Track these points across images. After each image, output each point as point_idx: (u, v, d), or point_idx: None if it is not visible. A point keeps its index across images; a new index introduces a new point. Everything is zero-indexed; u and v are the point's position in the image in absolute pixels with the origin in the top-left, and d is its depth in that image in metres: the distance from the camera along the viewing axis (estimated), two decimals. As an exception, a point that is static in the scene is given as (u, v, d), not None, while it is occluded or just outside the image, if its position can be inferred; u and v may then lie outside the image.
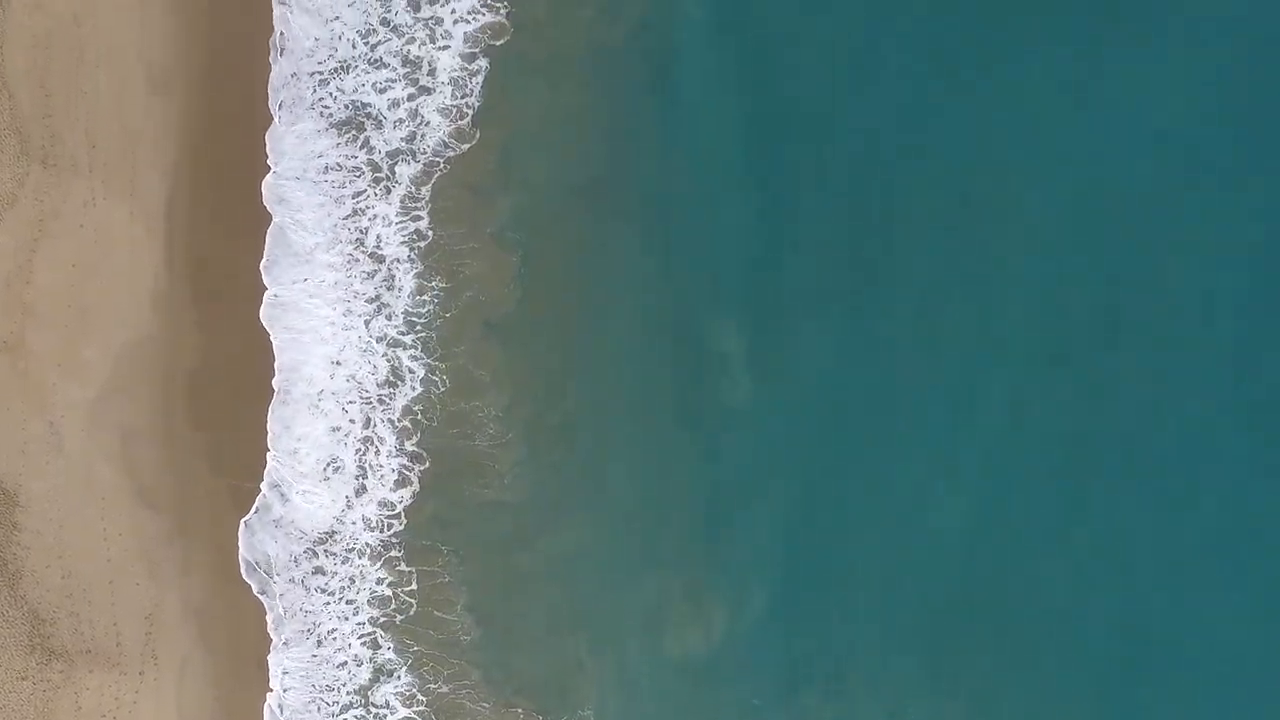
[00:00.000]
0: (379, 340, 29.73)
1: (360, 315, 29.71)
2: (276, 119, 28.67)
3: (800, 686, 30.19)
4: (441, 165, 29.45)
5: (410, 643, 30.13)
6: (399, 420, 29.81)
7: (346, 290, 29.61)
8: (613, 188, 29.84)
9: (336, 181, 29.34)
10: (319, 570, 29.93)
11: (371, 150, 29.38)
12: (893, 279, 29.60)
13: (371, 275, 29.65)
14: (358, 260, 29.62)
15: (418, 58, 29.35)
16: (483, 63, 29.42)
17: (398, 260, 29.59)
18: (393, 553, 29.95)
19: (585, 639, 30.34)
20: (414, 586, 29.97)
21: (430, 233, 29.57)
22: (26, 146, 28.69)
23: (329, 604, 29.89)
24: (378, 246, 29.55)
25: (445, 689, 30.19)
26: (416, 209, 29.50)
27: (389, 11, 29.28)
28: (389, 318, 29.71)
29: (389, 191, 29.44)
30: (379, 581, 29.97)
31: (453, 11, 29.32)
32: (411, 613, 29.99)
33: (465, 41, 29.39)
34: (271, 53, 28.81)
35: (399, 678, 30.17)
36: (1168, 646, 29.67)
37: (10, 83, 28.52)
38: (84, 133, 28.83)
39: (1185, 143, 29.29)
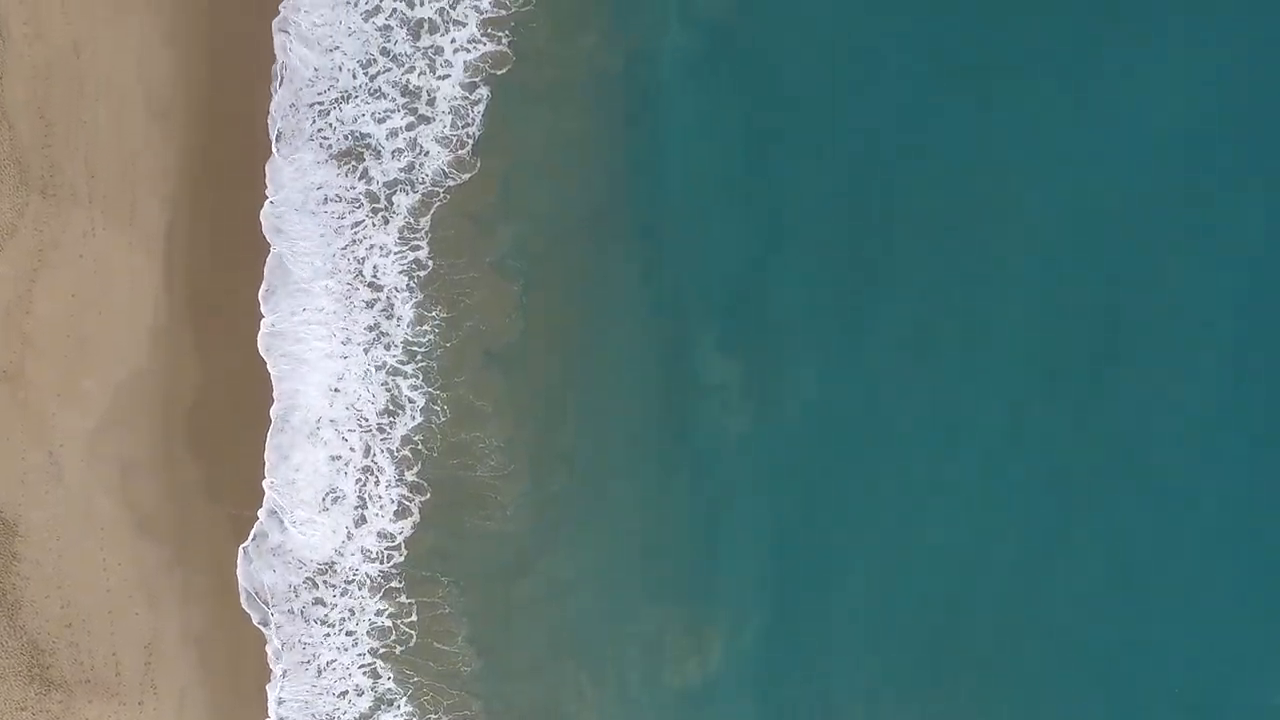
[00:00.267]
0: (378, 369, 29.63)
1: (359, 344, 29.62)
2: (276, 151, 28.57)
3: (798, 714, 30.14)
4: (441, 195, 29.34)
5: (410, 673, 30.01)
6: (399, 450, 29.69)
7: (345, 319, 29.51)
8: (614, 216, 29.71)
9: (336, 212, 29.26)
10: (319, 601, 29.80)
11: (370, 181, 29.28)
12: (886, 306, 29.57)
13: (370, 305, 29.55)
14: (357, 290, 29.52)
15: (417, 87, 29.26)
16: (484, 91, 29.31)
17: (396, 289, 29.48)
18: (393, 584, 29.82)
19: (586, 670, 30.18)
20: (414, 618, 29.83)
21: (430, 262, 29.45)
22: (26, 176, 28.65)
23: (329, 635, 29.77)
24: (375, 277, 29.45)
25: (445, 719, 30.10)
26: (415, 239, 29.40)
27: (389, 41, 29.19)
28: (388, 347, 29.61)
29: (387, 222, 29.34)
30: (379, 613, 29.84)
31: (453, 41, 29.22)
32: (411, 644, 29.86)
33: (465, 71, 29.28)
34: (272, 83, 28.71)
35: (399, 708, 30.04)
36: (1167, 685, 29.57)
37: (10, 113, 28.48)
38: (83, 162, 28.78)
39: (1184, 154, 29.27)
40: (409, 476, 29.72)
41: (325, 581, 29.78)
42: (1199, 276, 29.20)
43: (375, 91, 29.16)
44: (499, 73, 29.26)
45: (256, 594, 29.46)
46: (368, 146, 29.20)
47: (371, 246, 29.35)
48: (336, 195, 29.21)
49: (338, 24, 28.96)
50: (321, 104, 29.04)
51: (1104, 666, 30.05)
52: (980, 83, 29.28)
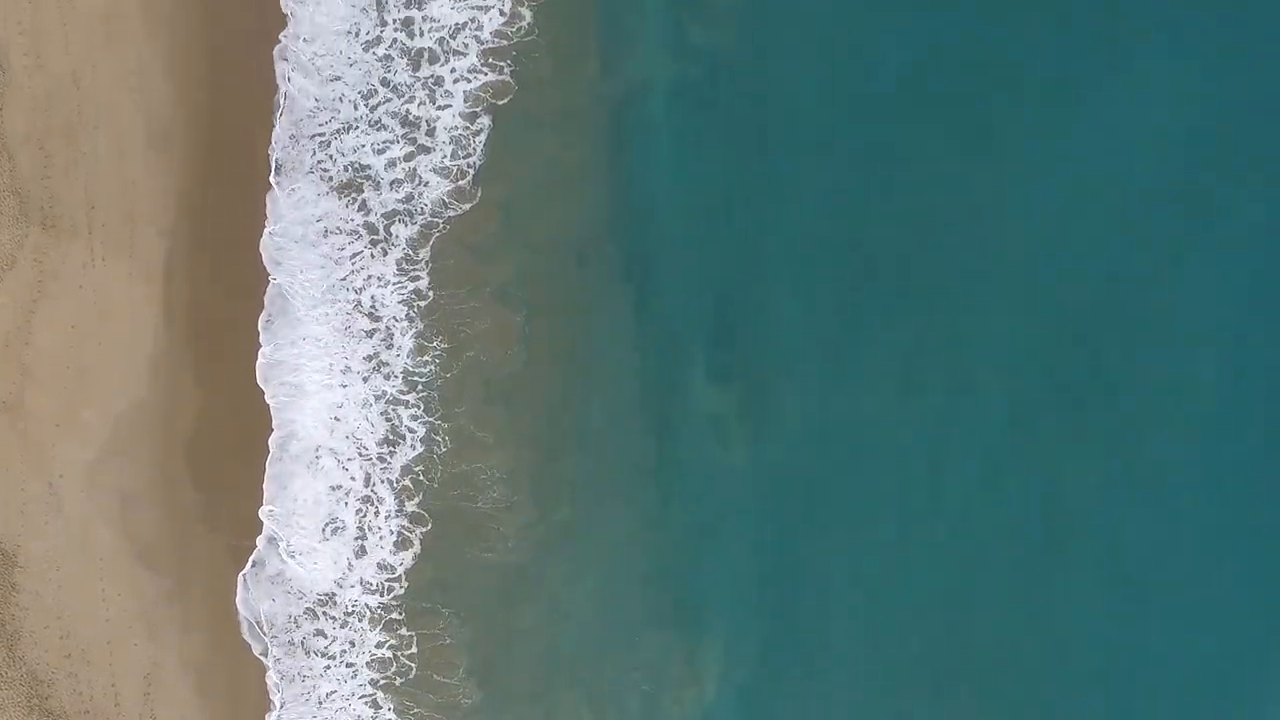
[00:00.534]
0: (378, 399, 29.51)
1: (359, 373, 29.51)
2: (275, 184, 28.50)
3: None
4: (440, 225, 29.24)
5: (410, 705, 29.87)
6: (399, 480, 29.57)
7: (345, 349, 29.41)
8: (616, 245, 29.61)
9: (335, 243, 29.15)
10: (319, 633, 29.67)
11: (369, 212, 29.18)
12: (880, 334, 29.66)
13: (370, 335, 29.45)
14: (356, 320, 29.42)
15: (417, 117, 29.15)
16: (485, 121, 29.20)
17: (395, 319, 29.37)
18: (393, 615, 29.68)
19: (587, 702, 30.05)
20: (414, 650, 29.69)
21: (431, 292, 29.34)
22: (25, 208, 28.60)
23: (329, 667, 29.63)
24: (374, 307, 29.34)
25: (446, 751, 30.04)
26: (415, 270, 29.29)
27: (389, 72, 29.09)
28: (388, 377, 29.50)
29: (385, 254, 29.23)
30: (379, 645, 29.70)
31: (453, 71, 29.12)
32: (412, 676, 29.71)
33: (466, 101, 29.17)
34: (272, 113, 28.63)
35: (399, 738, 30.00)
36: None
37: (9, 144, 28.44)
38: (83, 193, 28.73)
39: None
40: (410, 507, 29.59)
41: (325, 613, 29.65)
42: (1196, 293, 29.28)
43: (375, 123, 29.07)
44: (501, 102, 29.16)
45: (256, 624, 29.34)
46: (367, 178, 29.10)
47: (370, 277, 29.25)
48: (337, 227, 29.11)
49: (338, 54, 28.87)
50: (322, 135, 28.94)
51: (1100, 698, 29.94)
52: (973, 122, 29.30)
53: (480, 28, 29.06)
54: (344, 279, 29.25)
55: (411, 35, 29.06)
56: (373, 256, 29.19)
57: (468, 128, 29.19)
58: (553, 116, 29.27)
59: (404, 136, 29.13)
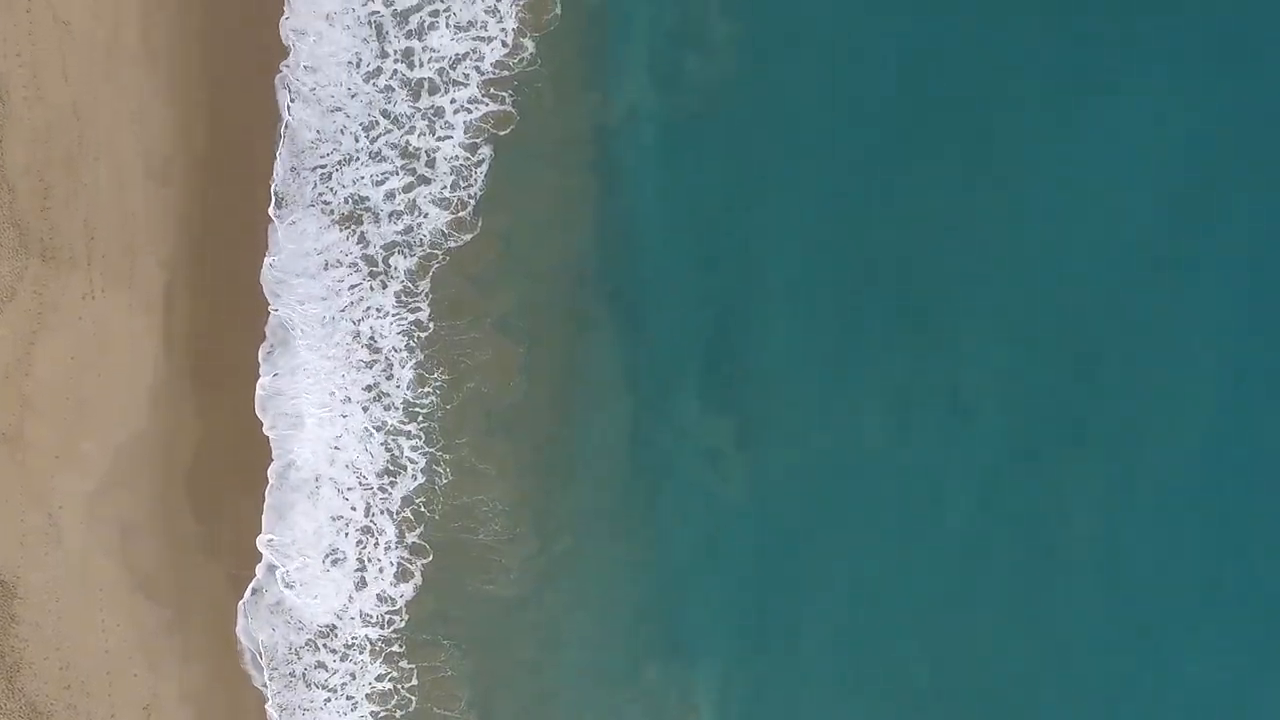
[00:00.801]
0: (379, 429, 29.40)
1: (358, 403, 29.41)
2: (276, 217, 28.41)
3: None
4: (440, 256, 29.12)
5: (411, 738, 29.83)
6: (400, 511, 29.46)
7: (344, 379, 29.31)
8: (617, 275, 29.52)
9: (335, 275, 29.05)
10: (320, 665, 29.55)
11: (367, 245, 29.07)
12: (880, 368, 29.64)
13: (369, 365, 29.34)
14: (356, 351, 29.31)
15: (416, 148, 29.05)
16: (486, 151, 29.09)
17: (394, 350, 29.27)
18: (394, 648, 29.56)
19: (589, 733, 30.05)
20: (415, 682, 29.57)
21: (431, 324, 29.24)
22: (25, 239, 28.53)
23: (330, 700, 29.51)
24: (373, 338, 29.24)
25: (447, 783, 29.94)
26: (415, 301, 29.17)
27: (390, 103, 28.98)
28: (388, 408, 29.39)
29: (384, 286, 29.12)
30: (379, 677, 29.57)
31: (453, 101, 29.01)
32: (412, 708, 29.64)
33: (467, 131, 29.05)
34: (273, 145, 28.53)
35: (400, 771, 29.88)
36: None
37: (9, 176, 28.36)
38: (83, 224, 28.64)
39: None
40: (410, 538, 29.47)
41: (326, 645, 29.53)
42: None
43: (375, 154, 28.98)
44: (502, 133, 29.06)
45: (256, 654, 29.25)
46: (366, 209, 28.99)
47: (369, 309, 29.16)
48: (337, 260, 29.01)
49: (340, 85, 28.78)
50: (324, 167, 28.86)
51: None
52: (967, 150, 29.32)
53: (482, 58, 28.96)
54: (343, 310, 29.15)
55: (412, 66, 28.96)
56: (371, 289, 29.10)
57: (469, 158, 29.08)
58: (554, 146, 29.22)
59: (403, 168, 29.03)
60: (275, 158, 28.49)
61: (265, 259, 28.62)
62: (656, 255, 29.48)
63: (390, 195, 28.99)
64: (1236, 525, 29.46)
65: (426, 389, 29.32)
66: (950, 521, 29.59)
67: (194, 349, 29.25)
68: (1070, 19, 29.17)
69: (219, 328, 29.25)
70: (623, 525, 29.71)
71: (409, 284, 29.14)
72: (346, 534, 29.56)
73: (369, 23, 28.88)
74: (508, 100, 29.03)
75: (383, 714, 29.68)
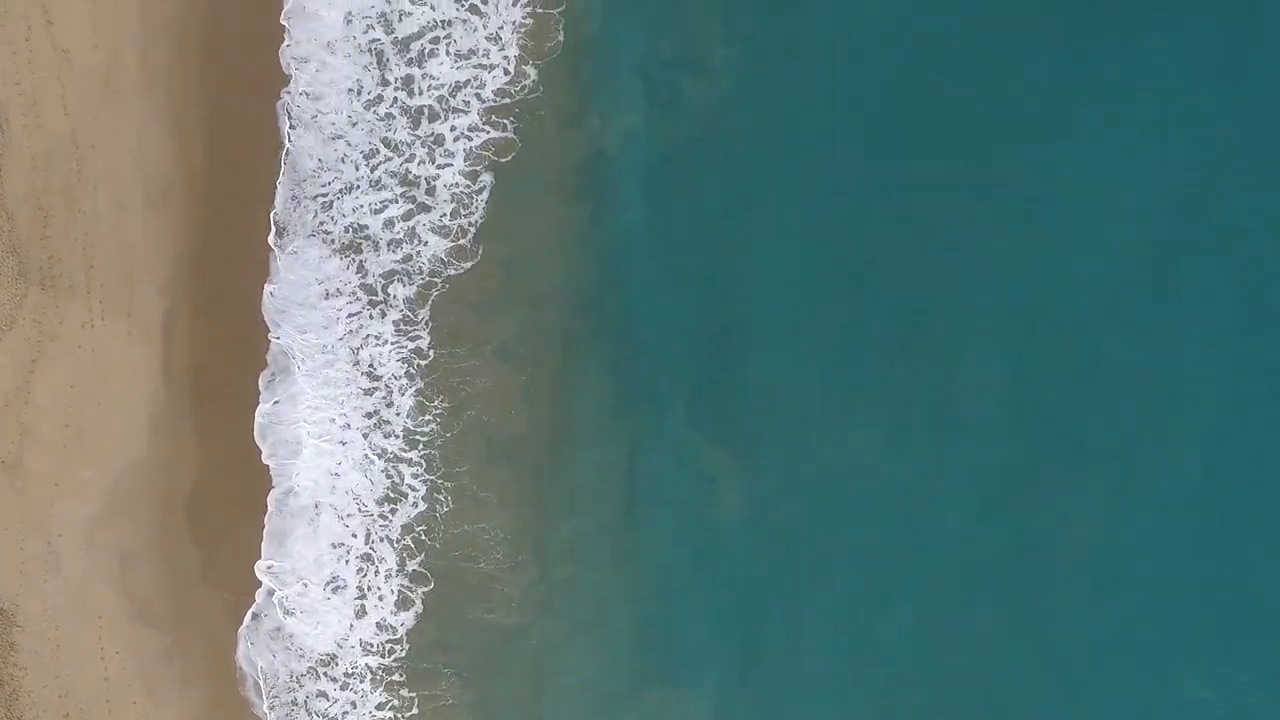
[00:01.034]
0: (379, 456, 29.33)
1: (358, 429, 29.34)
2: (277, 247, 28.36)
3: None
4: (439, 284, 29.06)
5: (412, 766, 29.76)
6: (400, 539, 29.39)
7: (345, 406, 29.24)
8: (619, 302, 29.46)
9: (335, 304, 28.98)
10: (321, 694, 29.48)
11: (366, 274, 29.01)
12: (878, 390, 29.63)
13: (369, 393, 29.28)
14: (356, 379, 29.25)
15: (416, 176, 28.98)
16: (487, 179, 29.03)
17: (394, 378, 29.22)
18: (395, 676, 29.49)
19: (590, 762, 29.98)
20: (416, 711, 29.50)
21: (431, 351, 29.17)
22: (25, 268, 28.46)
23: (329, 729, 29.54)
24: (373, 366, 29.18)
25: (447, 812, 29.87)
26: (414, 330, 29.11)
27: (390, 130, 28.92)
28: (388, 435, 29.32)
29: (384, 315, 29.07)
30: (380, 706, 29.50)
31: (453, 129, 28.94)
32: (413, 737, 29.64)
33: (467, 159, 28.99)
34: (273, 173, 28.47)
35: (400, 800, 29.81)
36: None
37: (9, 204, 28.29)
38: (82, 253, 28.58)
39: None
40: (411, 566, 29.40)
41: (326, 673, 29.46)
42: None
43: (375, 182, 28.90)
44: (503, 160, 28.99)
45: (256, 681, 29.19)
46: (365, 238, 28.93)
47: (368, 337, 29.09)
48: (337, 289, 28.95)
49: (340, 113, 28.72)
50: (325, 195, 28.78)
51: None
52: (957, 191, 29.31)
53: (483, 85, 28.90)
54: (343, 338, 29.08)
55: (412, 94, 28.89)
56: (371, 317, 29.03)
57: (469, 185, 29.02)
58: (556, 174, 29.14)
59: (403, 195, 28.97)
60: (275, 185, 28.41)
61: (265, 287, 28.55)
62: (657, 282, 29.41)
63: (390, 223, 28.92)
64: (1236, 534, 29.31)
65: (427, 416, 29.26)
66: (948, 542, 29.50)
67: (193, 377, 29.20)
68: (1068, 23, 29.06)
69: (218, 356, 29.20)
70: (623, 552, 29.63)
71: (408, 312, 29.08)
72: (347, 561, 29.49)
73: (369, 50, 28.82)
74: (509, 127, 28.97)
75: (383, 742, 29.65)
